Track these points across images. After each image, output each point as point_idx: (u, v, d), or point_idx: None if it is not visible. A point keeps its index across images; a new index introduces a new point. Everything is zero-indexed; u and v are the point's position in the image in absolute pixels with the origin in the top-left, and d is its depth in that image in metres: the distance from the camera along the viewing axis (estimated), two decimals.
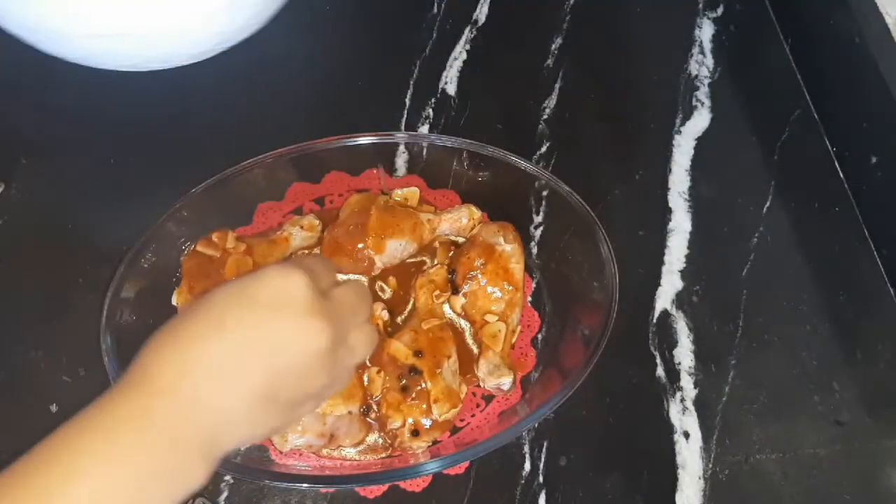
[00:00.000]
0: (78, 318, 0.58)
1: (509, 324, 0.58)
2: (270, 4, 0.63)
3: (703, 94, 0.72)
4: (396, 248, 0.60)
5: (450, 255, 0.61)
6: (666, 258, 0.65)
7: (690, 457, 0.57)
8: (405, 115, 0.70)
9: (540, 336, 0.60)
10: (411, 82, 0.72)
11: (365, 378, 0.55)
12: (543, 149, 0.69)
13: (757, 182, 0.69)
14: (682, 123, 0.71)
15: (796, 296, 0.64)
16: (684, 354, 0.61)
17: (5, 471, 0.35)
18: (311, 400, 0.43)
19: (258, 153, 0.61)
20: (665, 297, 0.63)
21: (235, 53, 0.70)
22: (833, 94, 0.71)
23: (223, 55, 0.68)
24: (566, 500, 0.56)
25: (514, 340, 0.59)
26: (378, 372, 0.55)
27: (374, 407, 0.55)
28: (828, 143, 0.71)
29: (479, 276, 0.58)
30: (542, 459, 0.57)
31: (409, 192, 0.63)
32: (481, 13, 0.76)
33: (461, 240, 0.62)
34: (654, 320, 0.62)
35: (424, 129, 0.70)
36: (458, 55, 0.73)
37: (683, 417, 0.59)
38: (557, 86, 0.72)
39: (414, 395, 0.54)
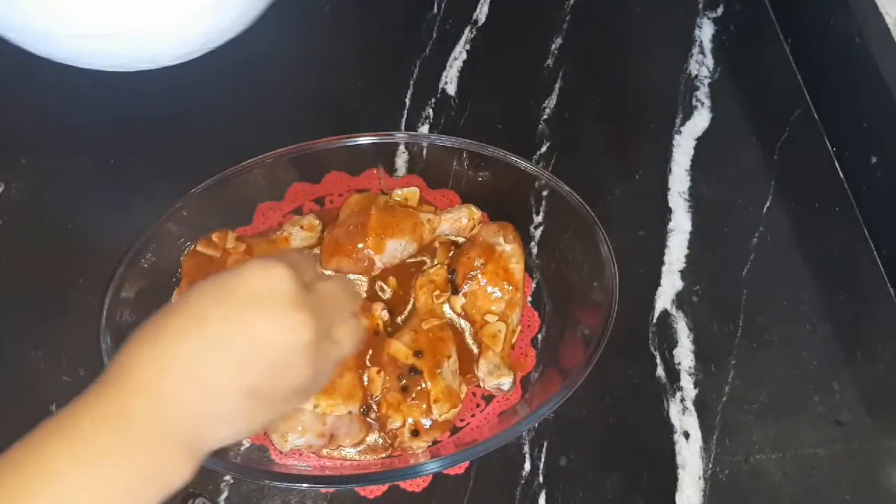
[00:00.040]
0: (78, 318, 0.58)
1: (509, 324, 0.58)
2: (256, 5, 0.63)
3: (703, 94, 0.72)
4: (396, 248, 0.60)
5: (450, 255, 0.61)
6: (666, 258, 0.65)
7: (690, 457, 0.57)
8: (405, 115, 0.70)
9: (540, 336, 0.60)
10: (411, 82, 0.72)
11: (365, 378, 0.55)
12: (543, 149, 0.69)
13: (757, 182, 0.69)
14: (682, 123, 0.71)
15: (796, 296, 0.64)
16: (684, 354, 0.61)
17: None
18: (295, 395, 0.42)
19: (258, 153, 0.61)
20: (665, 297, 0.63)
21: (236, 53, 0.70)
22: (833, 94, 0.71)
23: (224, 55, 0.68)
24: (566, 500, 0.56)
25: (514, 340, 0.59)
26: (378, 372, 0.55)
27: (374, 407, 0.55)
28: (828, 143, 0.71)
29: (479, 276, 0.58)
30: (542, 459, 0.57)
31: (409, 192, 0.63)
32: (481, 13, 0.76)
33: (461, 240, 0.62)
34: (654, 320, 0.62)
35: (424, 129, 0.70)
36: (458, 55, 0.73)
37: (683, 417, 0.59)
38: (557, 86, 0.72)
39: (414, 395, 0.54)
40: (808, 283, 0.64)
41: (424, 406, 0.54)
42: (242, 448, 0.55)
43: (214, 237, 0.59)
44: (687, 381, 0.60)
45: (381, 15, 0.75)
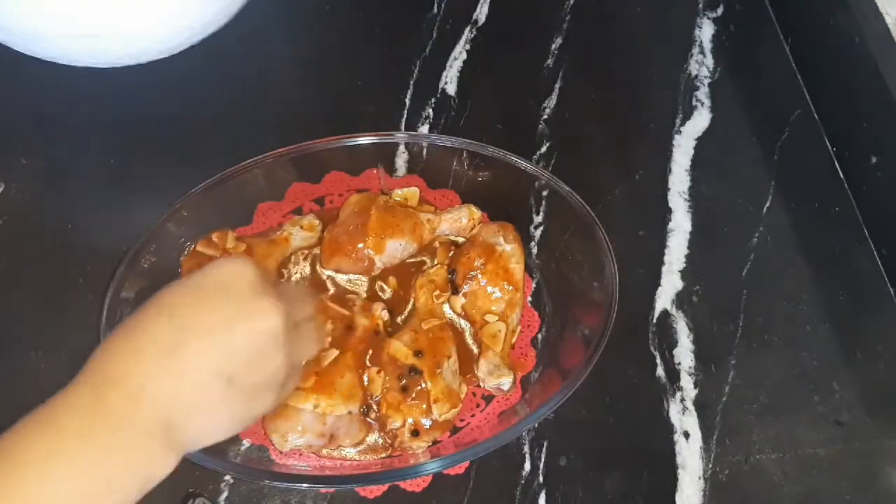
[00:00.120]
0: (78, 318, 0.58)
1: (509, 324, 0.58)
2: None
3: (703, 94, 0.72)
4: (396, 248, 0.60)
5: (450, 255, 0.61)
6: (666, 258, 0.65)
7: (690, 457, 0.57)
8: (405, 115, 0.70)
9: (540, 336, 0.60)
10: (411, 82, 0.72)
11: (365, 378, 0.55)
12: (543, 149, 0.69)
13: (757, 182, 0.69)
14: (682, 123, 0.71)
15: (796, 296, 0.64)
16: (684, 354, 0.61)
17: None
18: (269, 389, 0.42)
19: (258, 153, 0.61)
20: (665, 297, 0.63)
21: (236, 54, 0.70)
22: (833, 94, 0.71)
23: (225, 56, 0.68)
24: (566, 500, 0.56)
25: (514, 340, 0.59)
26: (378, 372, 0.55)
27: (374, 407, 0.55)
28: (828, 143, 0.71)
29: (479, 276, 0.58)
30: (542, 459, 0.57)
31: (409, 192, 0.63)
32: (481, 13, 0.76)
33: (461, 240, 0.62)
34: (654, 320, 0.62)
35: (424, 129, 0.70)
36: (458, 55, 0.73)
37: (683, 417, 0.59)
38: (557, 86, 0.72)
39: (414, 395, 0.54)
40: (808, 283, 0.64)
41: (424, 406, 0.54)
42: (242, 448, 0.55)
43: (214, 237, 0.59)
44: (687, 381, 0.60)
45: (382, 15, 0.75)
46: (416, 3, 0.76)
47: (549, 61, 0.74)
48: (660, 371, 0.60)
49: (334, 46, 0.74)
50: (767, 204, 0.68)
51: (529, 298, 0.61)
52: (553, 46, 0.74)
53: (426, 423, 0.54)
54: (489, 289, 0.58)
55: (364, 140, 0.63)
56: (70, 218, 0.64)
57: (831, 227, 0.67)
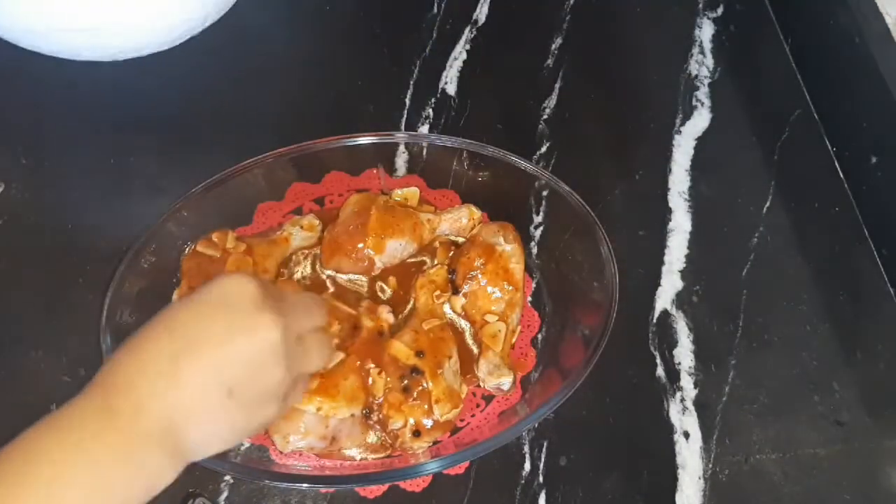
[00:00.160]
0: (78, 318, 0.58)
1: (509, 324, 0.58)
2: None
3: (703, 94, 0.72)
4: (396, 248, 0.60)
5: (450, 255, 0.61)
6: (666, 258, 0.65)
7: (690, 457, 0.57)
8: (405, 115, 0.70)
9: (540, 336, 0.60)
10: (411, 82, 0.72)
11: (369, 380, 0.55)
12: (543, 149, 0.69)
13: (757, 182, 0.69)
14: (682, 123, 0.71)
15: (796, 296, 0.64)
16: (684, 354, 0.61)
17: None
18: (271, 401, 0.43)
19: (258, 153, 0.61)
20: (665, 297, 0.63)
21: (236, 54, 0.71)
22: (833, 94, 0.71)
23: (224, 56, 0.68)
24: (566, 500, 0.56)
25: (514, 340, 0.59)
26: (379, 373, 0.55)
27: (376, 409, 0.55)
28: (828, 143, 0.71)
29: (479, 276, 0.58)
30: (542, 459, 0.57)
31: (409, 192, 0.63)
32: (481, 13, 0.76)
33: (461, 240, 0.62)
34: (654, 320, 0.62)
35: (424, 129, 0.70)
36: (458, 55, 0.73)
37: (683, 417, 0.59)
38: (557, 86, 0.72)
39: (415, 396, 0.54)
40: (808, 283, 0.64)
41: (426, 406, 0.54)
42: (242, 448, 0.55)
43: (214, 237, 0.59)
44: (687, 381, 0.60)
45: (381, 15, 0.75)
46: (416, 3, 0.76)
47: (549, 61, 0.74)
48: (660, 371, 0.60)
49: (334, 46, 0.74)
50: (767, 204, 0.68)
51: (529, 298, 0.61)
52: (553, 46, 0.74)
53: (428, 423, 0.54)
54: (489, 289, 0.58)
55: (364, 140, 0.63)
56: (70, 218, 0.64)
57: (831, 227, 0.67)
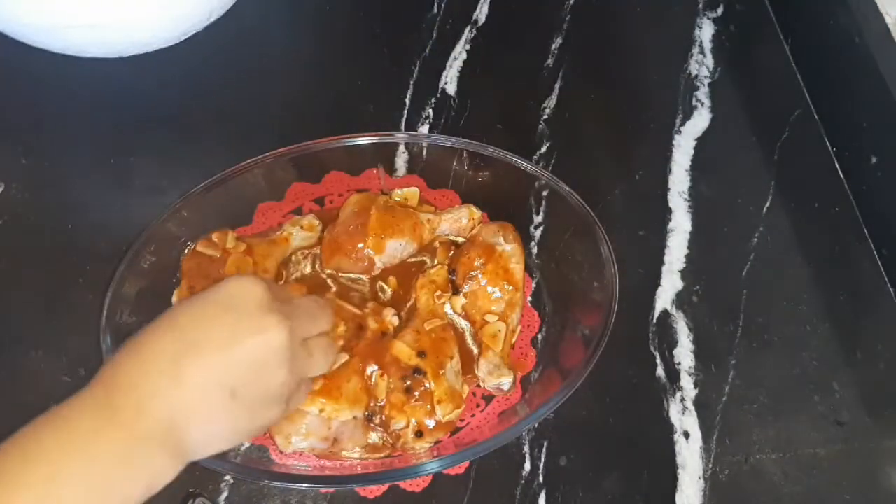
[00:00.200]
0: (78, 318, 0.58)
1: (509, 324, 0.58)
2: None
3: (703, 94, 0.72)
4: (396, 248, 0.60)
5: (450, 255, 0.61)
6: (666, 258, 0.65)
7: (690, 457, 0.57)
8: (405, 115, 0.70)
9: (540, 336, 0.60)
10: (411, 82, 0.72)
11: (372, 378, 0.55)
12: (543, 149, 0.69)
13: (757, 182, 0.69)
14: (682, 123, 0.71)
15: (796, 296, 0.64)
16: (684, 354, 0.61)
17: None
18: (274, 404, 0.43)
19: (258, 153, 0.61)
20: (665, 297, 0.63)
21: (236, 54, 0.71)
22: (833, 94, 0.71)
23: (224, 56, 0.68)
24: (566, 500, 0.56)
25: (514, 340, 0.59)
26: (381, 375, 0.55)
27: (378, 412, 0.55)
28: (828, 143, 0.71)
29: (480, 276, 0.58)
30: (542, 459, 0.57)
31: (409, 192, 0.63)
32: (481, 13, 0.76)
33: (461, 240, 0.62)
34: (654, 320, 0.62)
35: (424, 129, 0.70)
36: (458, 55, 0.73)
37: (683, 417, 0.59)
38: (557, 86, 0.72)
39: (417, 396, 0.54)
40: (808, 283, 0.64)
41: (428, 407, 0.54)
42: (242, 448, 0.55)
43: (214, 237, 0.59)
44: (687, 381, 0.60)
45: (381, 15, 0.75)
46: (416, 3, 0.76)
47: (549, 61, 0.74)
48: (660, 371, 0.60)
49: (334, 46, 0.74)
50: (767, 204, 0.68)
51: (529, 298, 0.61)
52: (553, 46, 0.74)
53: (430, 423, 0.54)
54: (489, 289, 0.58)
55: (364, 140, 0.63)
56: (70, 218, 0.64)
57: (831, 227, 0.67)
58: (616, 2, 0.78)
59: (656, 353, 0.61)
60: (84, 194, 0.65)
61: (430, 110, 0.70)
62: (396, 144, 0.66)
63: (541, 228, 0.64)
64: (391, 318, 0.57)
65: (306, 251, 0.61)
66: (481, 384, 0.57)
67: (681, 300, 0.63)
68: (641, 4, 0.77)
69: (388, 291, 0.60)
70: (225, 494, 0.55)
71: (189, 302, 0.42)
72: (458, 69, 0.73)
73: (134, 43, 0.63)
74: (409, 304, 0.59)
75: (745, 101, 0.73)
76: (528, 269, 0.61)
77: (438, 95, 0.71)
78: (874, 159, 0.65)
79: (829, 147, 0.71)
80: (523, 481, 0.56)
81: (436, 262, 0.61)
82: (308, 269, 0.61)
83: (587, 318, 0.58)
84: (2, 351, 0.59)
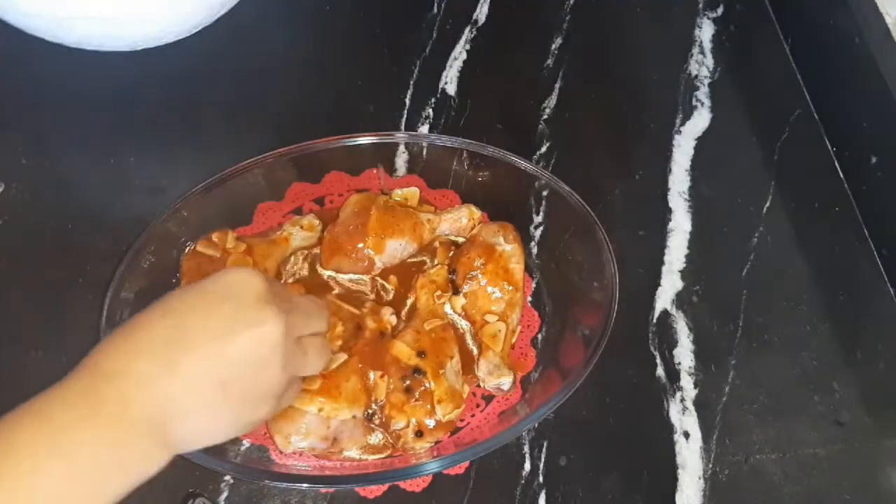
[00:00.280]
0: (78, 318, 0.58)
1: (509, 324, 0.58)
2: None
3: (703, 94, 0.72)
4: (396, 248, 0.60)
5: (450, 255, 0.61)
6: (666, 258, 0.65)
7: (690, 457, 0.57)
8: (405, 115, 0.70)
9: (540, 336, 0.60)
10: (411, 82, 0.72)
11: (371, 377, 0.55)
12: (543, 149, 0.69)
13: (757, 182, 0.69)
14: (682, 123, 0.71)
15: (796, 296, 0.64)
16: (684, 354, 0.61)
17: None
18: (264, 399, 0.42)
19: (258, 153, 0.61)
20: (665, 297, 0.63)
21: (236, 54, 0.71)
22: (833, 94, 0.71)
23: (223, 56, 0.68)
24: (566, 500, 0.56)
25: (514, 340, 0.59)
26: (381, 376, 0.55)
27: (378, 412, 0.55)
28: (828, 143, 0.71)
29: (480, 276, 0.58)
30: (542, 459, 0.57)
31: (409, 192, 0.63)
32: (481, 13, 0.76)
33: (461, 240, 0.62)
34: (654, 320, 0.62)
35: (424, 129, 0.70)
36: (458, 55, 0.73)
37: (683, 417, 0.59)
38: (557, 86, 0.72)
39: (417, 396, 0.54)
40: (808, 283, 0.64)
41: (428, 407, 0.54)
42: (242, 448, 0.55)
43: (214, 237, 0.59)
44: (687, 381, 0.60)
45: (381, 15, 0.75)
46: (416, 3, 0.76)
47: (549, 61, 0.74)
48: (660, 371, 0.60)
49: (334, 46, 0.74)
50: (767, 204, 0.68)
51: (529, 298, 0.61)
52: (553, 46, 0.74)
53: (430, 423, 0.54)
54: (489, 289, 0.58)
55: (364, 140, 0.63)
56: (70, 218, 0.64)
57: (831, 227, 0.67)
58: (616, 2, 0.78)
59: (656, 353, 0.61)
60: (84, 194, 0.65)
61: (430, 110, 0.70)
62: (396, 144, 0.66)
63: (541, 228, 0.64)
64: (389, 317, 0.57)
65: (306, 251, 0.61)
66: (481, 384, 0.57)
67: (681, 300, 0.63)
68: (641, 4, 0.77)
69: (391, 291, 0.60)
70: (225, 494, 0.55)
71: (185, 290, 0.41)
72: (458, 69, 0.73)
73: (149, 35, 0.63)
74: (408, 304, 0.59)
75: (745, 101, 0.73)
76: (528, 269, 0.61)
77: (438, 95, 0.71)
78: (874, 159, 0.65)
79: (829, 147, 0.71)
80: (523, 481, 0.56)
81: (436, 262, 0.61)
82: (307, 270, 0.61)
83: (587, 318, 0.58)
84: (2, 351, 0.59)
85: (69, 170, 0.66)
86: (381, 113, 0.70)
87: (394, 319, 0.58)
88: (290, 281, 0.60)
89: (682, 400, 0.59)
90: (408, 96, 0.71)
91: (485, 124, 0.70)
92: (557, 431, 0.58)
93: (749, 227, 0.66)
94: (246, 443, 0.55)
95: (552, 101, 0.71)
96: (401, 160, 0.66)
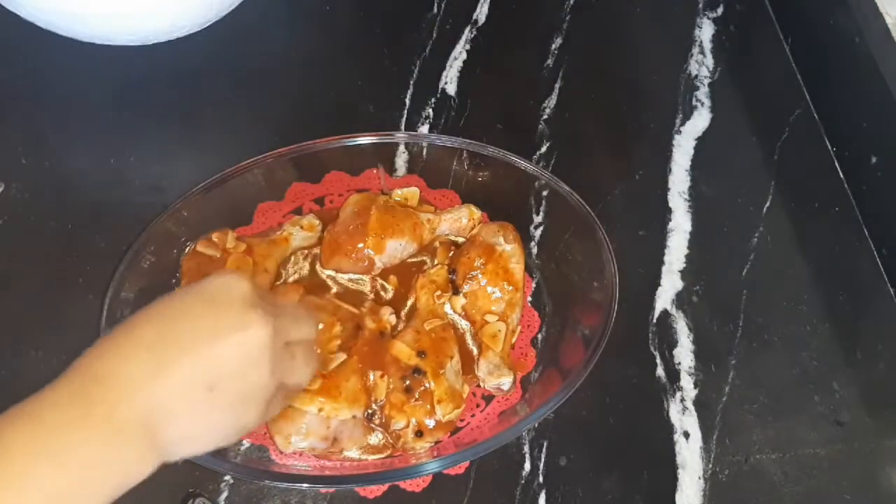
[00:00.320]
0: (78, 318, 0.58)
1: (509, 324, 0.58)
2: None
3: (703, 94, 0.72)
4: (396, 248, 0.60)
5: (450, 255, 0.61)
6: (666, 258, 0.65)
7: (690, 457, 0.57)
8: (405, 115, 0.70)
9: (540, 336, 0.60)
10: (411, 82, 0.72)
11: (371, 377, 0.55)
12: (543, 149, 0.69)
13: (757, 182, 0.69)
14: (682, 123, 0.71)
15: (796, 296, 0.64)
16: (684, 354, 0.61)
17: None
18: (252, 404, 0.42)
19: (258, 153, 0.61)
20: (665, 297, 0.63)
21: (235, 54, 0.71)
22: (833, 94, 0.71)
23: (222, 57, 0.68)
24: (566, 500, 0.56)
25: (514, 340, 0.59)
26: (381, 376, 0.55)
27: (378, 412, 0.55)
28: (828, 143, 0.71)
29: (480, 276, 0.58)
30: (542, 459, 0.57)
31: (409, 192, 0.63)
32: (481, 13, 0.76)
33: (461, 240, 0.62)
34: (654, 320, 0.62)
35: (424, 129, 0.70)
36: (458, 55, 0.73)
37: (683, 417, 0.59)
38: (557, 86, 0.72)
39: (417, 396, 0.54)
40: (808, 283, 0.64)
41: (428, 406, 0.54)
42: (242, 448, 0.55)
43: (214, 237, 0.59)
44: (687, 381, 0.60)
45: (381, 15, 0.75)
46: (416, 3, 0.76)
47: (549, 61, 0.74)
48: (660, 371, 0.60)
49: (334, 46, 0.74)
50: (767, 204, 0.68)
51: (529, 298, 0.61)
52: (553, 46, 0.74)
53: (430, 423, 0.54)
54: (489, 289, 0.58)
55: (364, 140, 0.63)
56: (70, 218, 0.64)
57: (831, 227, 0.67)
58: (616, 2, 0.78)
59: (656, 353, 0.61)
60: (84, 194, 0.65)
61: (430, 110, 0.70)
62: (396, 144, 0.66)
63: (541, 228, 0.64)
64: (388, 317, 0.57)
65: (306, 251, 0.61)
66: (481, 384, 0.57)
67: (681, 300, 0.63)
68: (641, 4, 0.77)
69: (391, 291, 0.60)
70: (225, 494, 0.55)
71: (173, 295, 0.42)
72: (458, 69, 0.73)
73: (155, 31, 0.63)
74: (408, 304, 0.59)
75: (745, 101, 0.73)
76: (528, 269, 0.61)
77: (438, 95, 0.71)
78: (874, 159, 0.65)
79: (829, 147, 0.71)
80: (523, 481, 0.56)
81: (436, 262, 0.61)
82: (308, 270, 0.61)
83: (587, 318, 0.58)
84: (2, 351, 0.59)
85: (69, 170, 0.66)
86: (381, 113, 0.70)
87: (393, 319, 0.58)
88: (290, 281, 0.60)
89: (682, 400, 0.59)
90: (408, 96, 0.71)
91: (485, 124, 0.70)
92: (557, 431, 0.58)
93: (749, 227, 0.66)
94: (246, 443, 0.55)
95: (552, 101, 0.71)
96: (401, 160, 0.66)
